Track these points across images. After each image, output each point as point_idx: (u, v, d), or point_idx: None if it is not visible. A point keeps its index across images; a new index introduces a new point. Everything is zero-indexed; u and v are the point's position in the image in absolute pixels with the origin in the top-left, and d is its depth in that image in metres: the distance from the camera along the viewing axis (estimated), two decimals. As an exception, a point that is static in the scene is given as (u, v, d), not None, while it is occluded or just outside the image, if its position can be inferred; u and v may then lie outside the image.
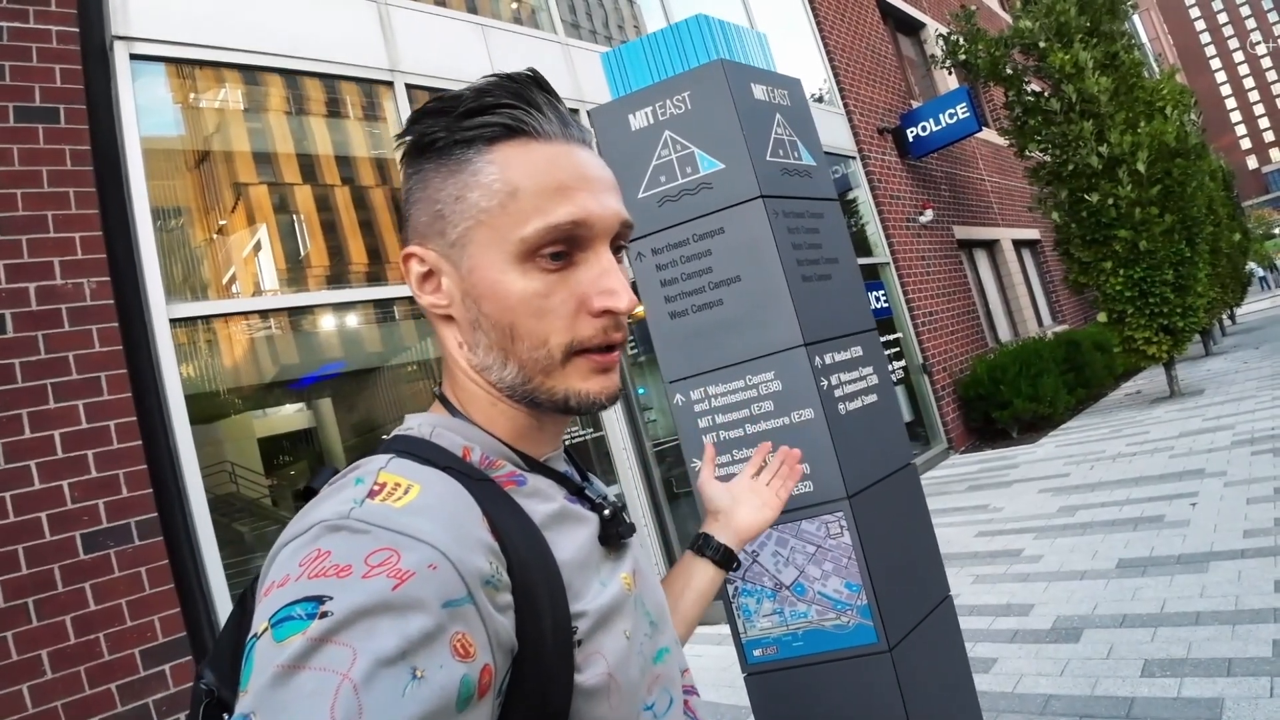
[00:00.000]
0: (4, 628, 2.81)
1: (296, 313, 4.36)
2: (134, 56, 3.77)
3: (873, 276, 8.99)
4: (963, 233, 11.26)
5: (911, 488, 1.93)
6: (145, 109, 3.84)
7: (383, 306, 4.76)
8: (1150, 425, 7.93)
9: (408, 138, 0.71)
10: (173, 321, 3.59)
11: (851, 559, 1.66)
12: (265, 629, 0.51)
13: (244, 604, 0.71)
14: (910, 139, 10.19)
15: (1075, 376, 10.12)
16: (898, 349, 8.92)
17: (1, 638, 2.79)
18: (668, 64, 1.86)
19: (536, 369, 0.69)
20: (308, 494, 0.67)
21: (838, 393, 1.75)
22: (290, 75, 4.53)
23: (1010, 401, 8.87)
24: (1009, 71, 9.72)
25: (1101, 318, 9.57)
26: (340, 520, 0.57)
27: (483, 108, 0.68)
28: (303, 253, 4.87)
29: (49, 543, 2.98)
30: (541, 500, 0.71)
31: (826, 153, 8.60)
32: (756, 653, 1.74)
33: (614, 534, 0.76)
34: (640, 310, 1.91)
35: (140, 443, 3.29)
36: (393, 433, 0.74)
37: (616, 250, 0.72)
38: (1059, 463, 7.27)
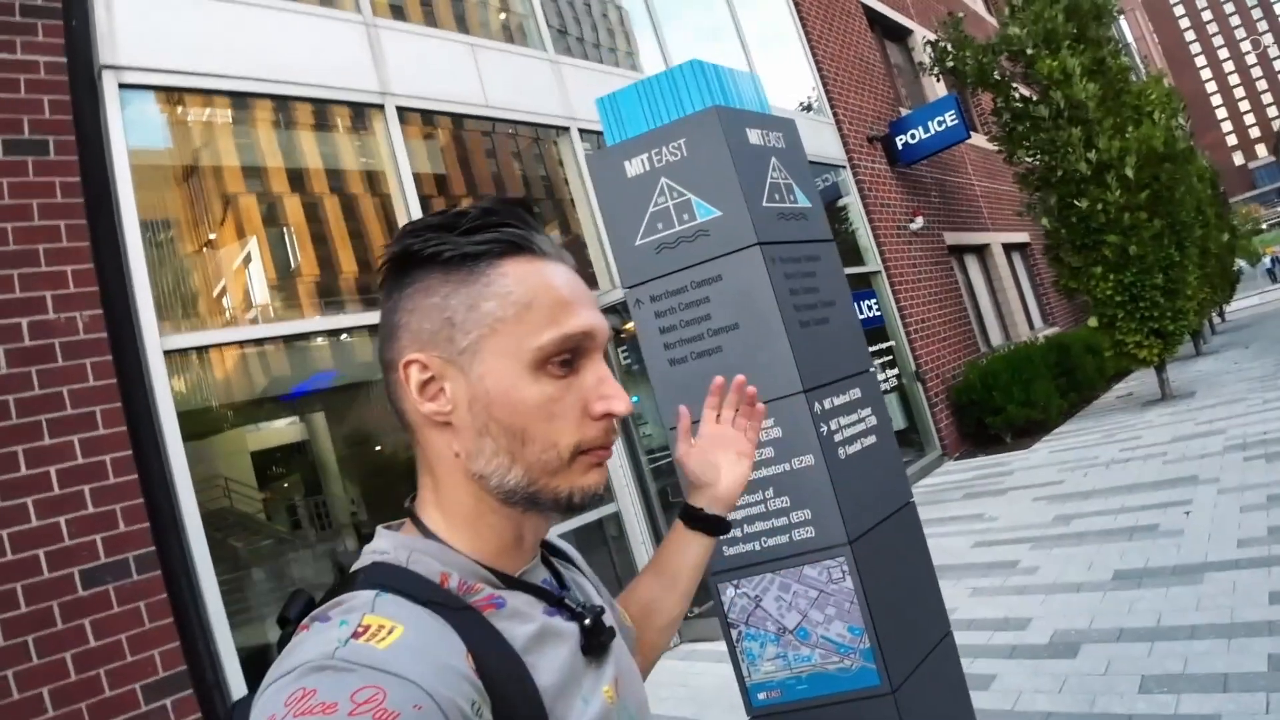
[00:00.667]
0: (4, 666, 2.79)
1: (291, 339, 4.36)
2: (123, 85, 3.76)
3: (864, 285, 9.02)
4: (953, 238, 11.32)
5: (911, 526, 1.94)
6: (135, 138, 3.83)
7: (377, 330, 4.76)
8: (1142, 430, 7.98)
9: (397, 249, 0.73)
10: (167, 353, 3.58)
11: (854, 603, 1.67)
12: None
13: None
14: (900, 147, 10.24)
15: (1067, 380, 10.19)
16: (890, 357, 8.95)
17: (2, 676, 2.78)
18: (663, 110, 1.87)
19: (544, 470, 0.71)
20: (283, 623, 0.69)
21: (837, 437, 1.77)
22: (280, 101, 4.52)
23: (1003, 407, 8.92)
24: (997, 78, 9.79)
25: (1092, 322, 9.63)
26: (325, 660, 0.58)
27: (489, 224, 0.72)
28: (295, 277, 4.86)
29: (47, 580, 2.97)
30: (521, 621, 0.73)
31: (817, 163, 8.69)
32: (761, 696, 1.76)
33: (595, 644, 0.77)
34: (630, 325, 1.92)
35: (136, 477, 3.28)
36: (365, 554, 0.74)
37: None
38: (1053, 469, 7.31)
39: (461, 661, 0.63)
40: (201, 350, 3.89)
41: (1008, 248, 13.63)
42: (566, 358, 0.71)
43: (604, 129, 1.93)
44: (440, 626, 0.65)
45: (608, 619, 0.80)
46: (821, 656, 1.70)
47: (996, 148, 10.46)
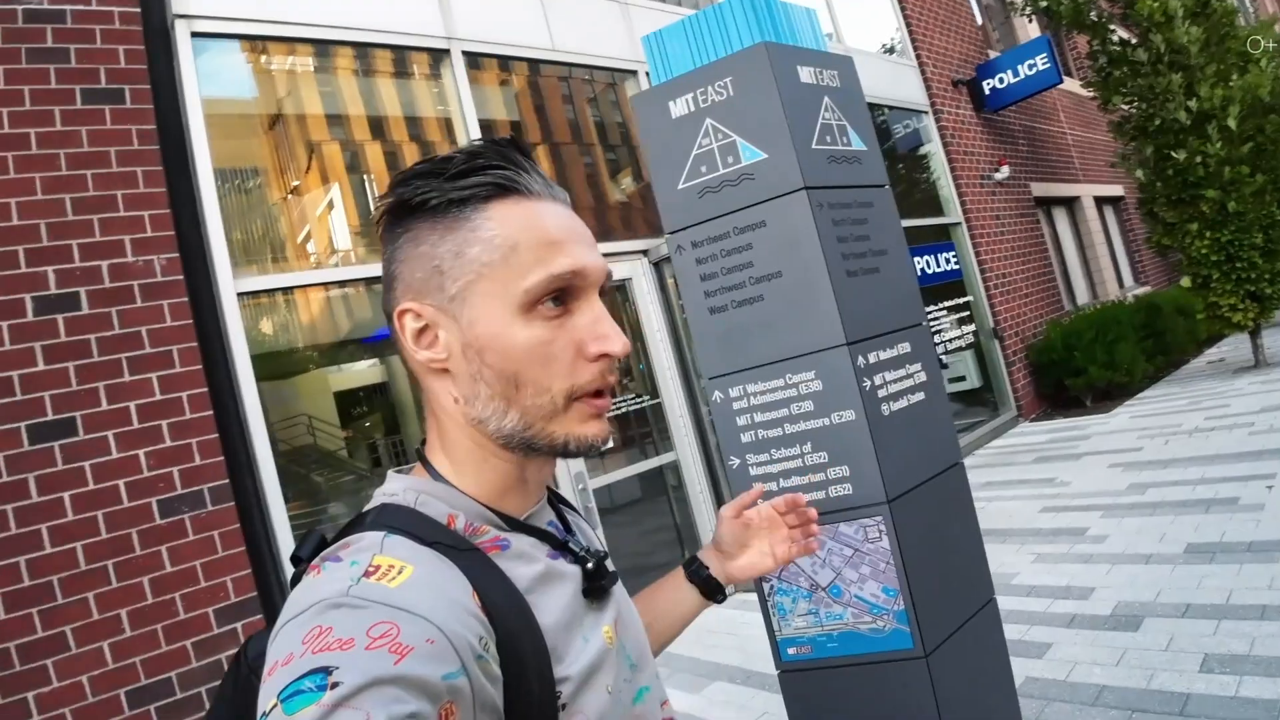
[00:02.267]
0: (86, 589, 2.98)
1: (358, 283, 4.45)
2: (195, 34, 3.83)
3: (944, 237, 8.71)
4: (1041, 190, 10.79)
5: (958, 487, 1.88)
6: (207, 85, 3.91)
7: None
8: (1231, 398, 7.55)
9: (390, 199, 0.73)
10: (240, 295, 3.70)
11: (889, 563, 1.63)
12: (274, 705, 0.52)
13: (238, 664, 0.76)
14: (987, 91, 9.74)
15: (1155, 343, 9.66)
16: (968, 312, 8.66)
17: (83, 598, 2.97)
18: (710, 47, 1.80)
19: (539, 415, 0.72)
20: (295, 560, 0.71)
21: (881, 393, 1.71)
22: (345, 47, 4.56)
23: (1085, 369, 8.54)
24: (1093, 18, 9.16)
25: (1185, 282, 9.09)
26: (340, 598, 0.59)
27: (475, 168, 0.71)
28: (369, 219, 4.95)
29: (126, 509, 3.14)
30: (525, 563, 0.74)
31: (897, 108, 8.36)
32: (790, 651, 1.74)
33: (597, 587, 0.78)
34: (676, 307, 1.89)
35: (211, 413, 3.42)
36: (376, 496, 0.76)
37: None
38: (1132, 435, 7.01)
39: (469, 599, 0.64)
40: (272, 293, 4.01)
41: (1099, 201, 12.93)
42: (557, 298, 0.71)
43: (649, 68, 1.87)
44: (446, 567, 0.66)
45: (609, 564, 0.82)
46: (854, 615, 1.67)
47: (1090, 94, 9.85)
